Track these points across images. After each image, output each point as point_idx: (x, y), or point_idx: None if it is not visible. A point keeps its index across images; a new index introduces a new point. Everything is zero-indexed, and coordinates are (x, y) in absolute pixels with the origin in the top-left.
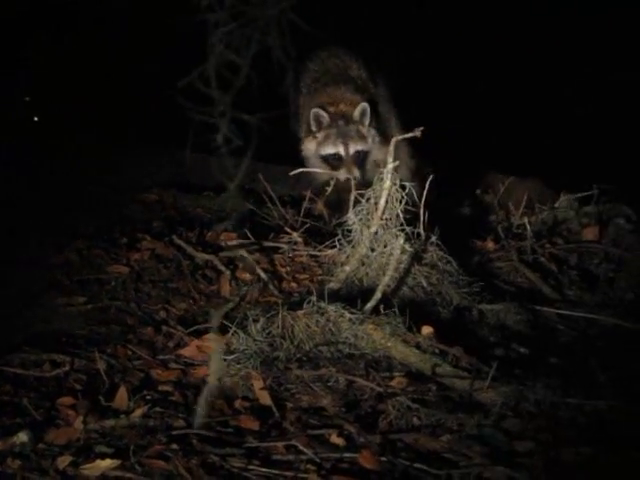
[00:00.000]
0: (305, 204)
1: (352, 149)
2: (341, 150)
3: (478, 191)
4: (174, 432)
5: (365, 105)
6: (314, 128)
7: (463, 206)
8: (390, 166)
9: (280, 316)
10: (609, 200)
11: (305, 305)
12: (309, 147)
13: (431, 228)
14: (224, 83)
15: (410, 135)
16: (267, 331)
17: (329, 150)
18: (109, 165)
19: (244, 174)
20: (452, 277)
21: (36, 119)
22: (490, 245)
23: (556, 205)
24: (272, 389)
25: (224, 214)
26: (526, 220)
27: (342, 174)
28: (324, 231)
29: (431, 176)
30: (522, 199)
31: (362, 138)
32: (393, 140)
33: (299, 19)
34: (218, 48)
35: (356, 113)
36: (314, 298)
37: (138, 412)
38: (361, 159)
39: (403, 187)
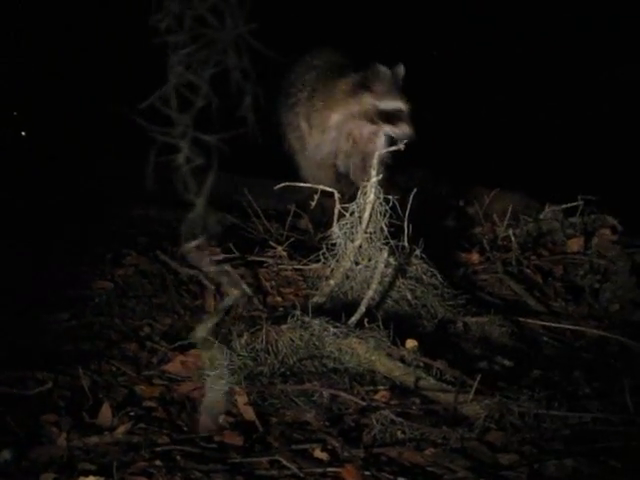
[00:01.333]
0: (290, 218)
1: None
2: (402, 106)
3: (461, 202)
4: (158, 448)
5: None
6: (369, 83)
7: (448, 219)
8: (374, 179)
9: (264, 331)
10: (594, 211)
11: (289, 319)
12: (367, 100)
13: (416, 241)
14: (186, 104)
15: (394, 149)
16: (251, 346)
17: (391, 105)
18: (94, 179)
19: (226, 189)
20: (437, 290)
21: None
22: (475, 257)
23: (541, 216)
24: (256, 404)
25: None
26: (511, 232)
27: (401, 130)
28: (309, 245)
29: (414, 189)
30: (507, 211)
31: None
32: (376, 154)
33: (257, 42)
34: (177, 69)
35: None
36: (298, 312)
37: (122, 429)
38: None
39: (387, 201)
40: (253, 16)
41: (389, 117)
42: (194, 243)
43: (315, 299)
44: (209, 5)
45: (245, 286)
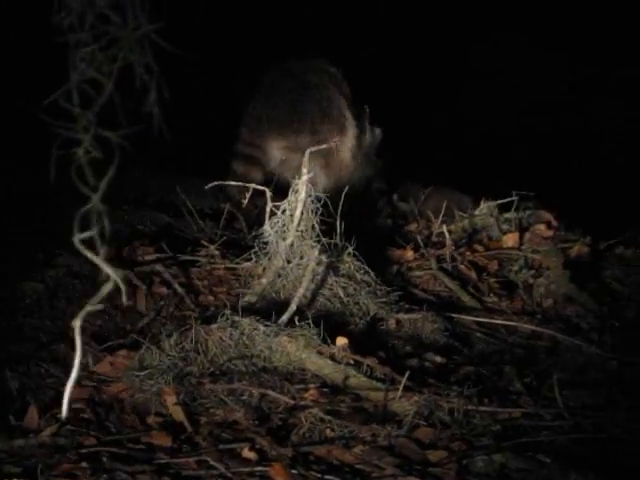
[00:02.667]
0: (224, 216)
1: None
2: None
3: (395, 197)
4: (84, 450)
5: None
6: None
7: (382, 216)
8: (304, 177)
9: (193, 330)
10: (529, 207)
11: (219, 319)
12: None
13: (349, 239)
14: (90, 101)
15: (325, 146)
16: (180, 346)
17: None
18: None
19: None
20: (369, 287)
21: None
22: (409, 254)
23: (476, 212)
24: (185, 404)
25: (143, 227)
26: (445, 228)
27: None
28: (243, 244)
29: (347, 187)
30: (441, 207)
31: None
32: (307, 151)
33: (162, 40)
34: (80, 67)
35: None
36: (228, 312)
37: (48, 431)
38: None
39: (319, 199)
40: (158, 13)
41: None
42: (84, 235)
43: (247, 298)
44: (111, 2)
45: (177, 285)
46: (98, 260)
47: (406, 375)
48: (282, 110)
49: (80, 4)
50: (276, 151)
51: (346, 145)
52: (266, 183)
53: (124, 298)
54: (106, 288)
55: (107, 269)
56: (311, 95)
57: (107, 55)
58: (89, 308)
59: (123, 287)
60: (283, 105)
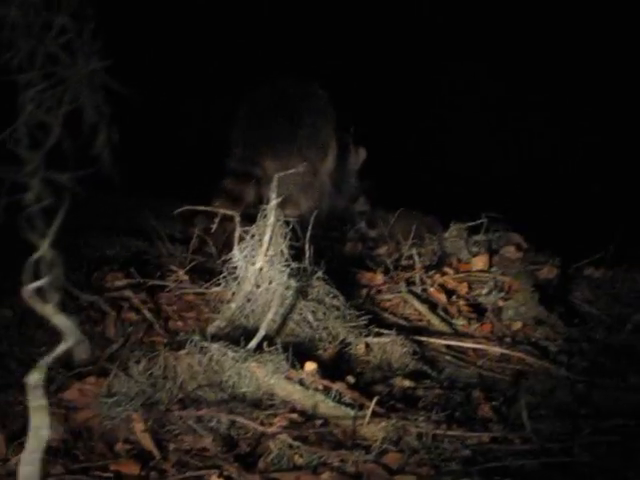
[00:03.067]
0: (193, 241)
1: None
2: None
3: (363, 224)
4: (52, 478)
5: None
6: None
7: (352, 239)
8: (273, 202)
9: (162, 356)
10: (499, 229)
11: (188, 345)
12: None
13: (318, 263)
14: (38, 143)
15: (292, 171)
16: (149, 372)
17: None
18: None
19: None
20: (339, 311)
21: None
22: (379, 277)
23: (446, 235)
24: (153, 431)
25: (112, 252)
26: (414, 251)
27: None
28: (213, 268)
29: (315, 212)
30: (411, 230)
31: None
32: (275, 176)
33: (111, 80)
34: (29, 108)
35: None
36: (197, 337)
37: (15, 459)
38: None
39: (287, 223)
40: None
41: None
42: (35, 284)
43: (216, 323)
44: (61, 42)
45: (146, 311)
46: (52, 313)
47: (374, 400)
48: (275, 131)
49: (29, 43)
50: (269, 171)
51: (327, 168)
52: (259, 202)
53: (83, 352)
54: (61, 348)
55: (61, 324)
56: (302, 120)
57: (56, 95)
58: (43, 365)
59: (79, 341)
60: (276, 126)
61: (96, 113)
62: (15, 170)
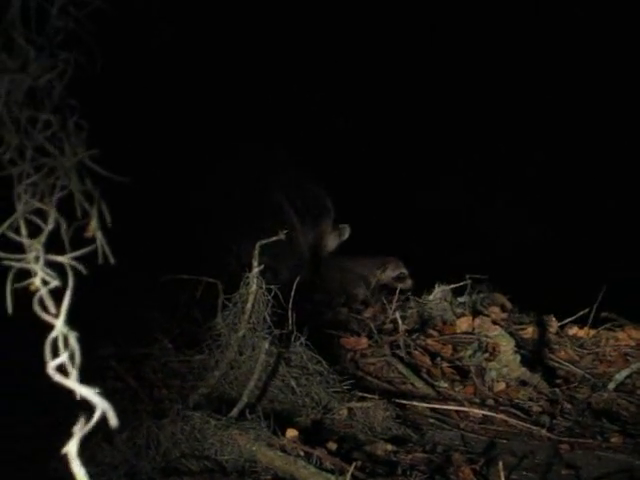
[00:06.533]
0: (179, 309)
1: None
2: None
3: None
4: None
5: None
6: None
7: (336, 303)
8: (255, 270)
9: (145, 425)
10: (483, 290)
11: (170, 413)
12: None
13: (300, 329)
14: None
15: (275, 239)
16: (132, 441)
17: None
18: None
19: None
20: (322, 376)
21: None
22: (363, 341)
23: (430, 297)
24: None
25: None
26: (398, 314)
27: None
28: (197, 335)
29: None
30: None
31: None
32: (257, 244)
33: (97, 167)
34: (24, 198)
35: None
36: (180, 406)
37: None
38: None
39: (270, 290)
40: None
41: None
42: (57, 361)
43: (200, 391)
44: (48, 135)
45: (130, 379)
46: (81, 389)
47: (353, 466)
48: (249, 209)
49: (17, 139)
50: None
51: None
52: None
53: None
54: (95, 418)
55: (87, 395)
56: (270, 205)
57: (48, 185)
58: (79, 436)
59: (111, 412)
60: (247, 204)
61: (86, 199)
62: (18, 258)
